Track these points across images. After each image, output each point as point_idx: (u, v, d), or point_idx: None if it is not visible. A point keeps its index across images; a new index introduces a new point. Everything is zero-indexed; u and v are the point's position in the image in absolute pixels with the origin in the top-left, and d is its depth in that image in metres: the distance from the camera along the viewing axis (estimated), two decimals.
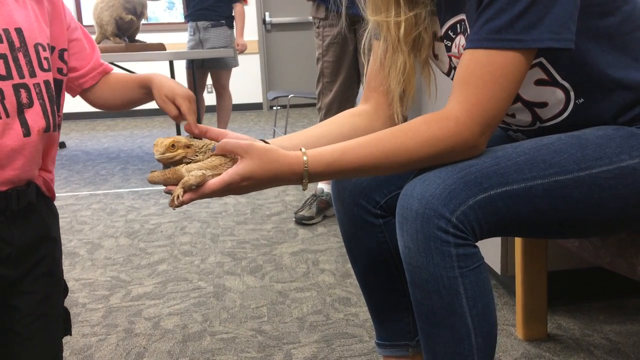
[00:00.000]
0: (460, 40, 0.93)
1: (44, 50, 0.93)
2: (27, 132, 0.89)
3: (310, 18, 2.52)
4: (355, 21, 2.32)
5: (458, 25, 0.93)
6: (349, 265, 1.87)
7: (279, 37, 6.70)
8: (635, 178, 0.87)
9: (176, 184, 0.85)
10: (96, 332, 1.58)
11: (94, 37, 3.69)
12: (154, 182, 0.88)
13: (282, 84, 6.68)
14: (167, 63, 3.89)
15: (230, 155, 0.88)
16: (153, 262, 2.09)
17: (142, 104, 1.08)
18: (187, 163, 0.87)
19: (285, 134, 3.74)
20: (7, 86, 0.87)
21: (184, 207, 2.77)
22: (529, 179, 0.84)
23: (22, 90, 0.89)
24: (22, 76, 0.89)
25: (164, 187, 0.88)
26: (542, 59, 0.89)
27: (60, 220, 1.06)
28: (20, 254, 0.94)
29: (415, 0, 0.94)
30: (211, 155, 0.88)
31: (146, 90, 1.04)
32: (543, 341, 1.42)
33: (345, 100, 2.46)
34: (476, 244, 0.84)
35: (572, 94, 0.92)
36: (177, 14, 6.57)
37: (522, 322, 1.42)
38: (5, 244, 0.92)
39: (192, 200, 0.85)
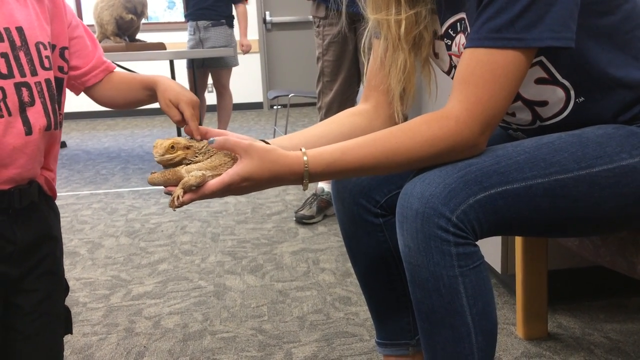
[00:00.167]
0: (461, 38, 0.93)
1: (45, 48, 0.93)
2: (29, 131, 0.89)
3: (311, 17, 2.52)
4: (356, 20, 2.32)
5: (458, 23, 0.93)
6: (349, 265, 1.87)
7: (280, 36, 6.69)
8: (635, 177, 0.87)
9: (176, 185, 0.85)
10: (97, 332, 1.58)
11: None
12: (153, 184, 0.88)
13: (282, 83, 6.68)
14: (167, 62, 3.89)
15: (231, 155, 0.88)
16: (153, 262, 2.09)
17: (145, 104, 1.08)
18: (187, 164, 0.87)
19: (285, 133, 3.75)
20: (8, 85, 0.87)
21: (184, 206, 2.76)
22: (529, 178, 0.84)
23: (24, 89, 0.89)
24: (23, 75, 0.89)
25: (164, 188, 0.88)
26: (543, 58, 0.89)
27: (61, 220, 1.07)
28: (23, 252, 0.94)
29: None
30: (213, 154, 0.88)
31: (150, 92, 1.04)
32: (543, 340, 1.42)
33: (346, 99, 2.46)
34: (476, 243, 0.84)
35: (572, 92, 0.92)
36: (178, 14, 6.57)
37: (523, 321, 1.42)
38: (7, 242, 0.92)
39: (192, 201, 0.85)
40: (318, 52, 2.47)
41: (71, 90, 1.07)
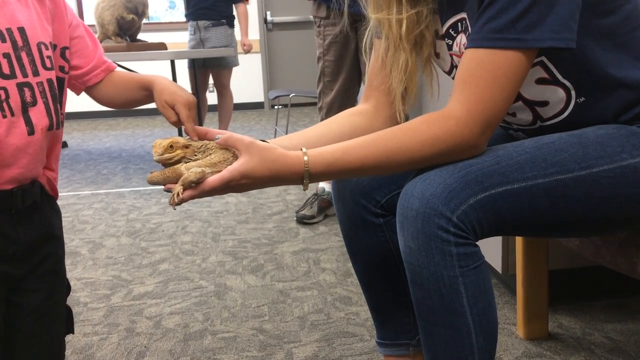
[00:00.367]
0: (462, 38, 0.93)
1: (47, 49, 0.93)
2: (31, 131, 0.89)
3: (311, 17, 2.52)
4: (357, 20, 2.32)
5: (459, 23, 0.93)
6: (350, 265, 1.87)
7: (281, 36, 6.70)
8: (636, 177, 0.87)
9: (176, 183, 0.85)
10: (97, 331, 1.58)
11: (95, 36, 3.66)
12: (153, 183, 0.88)
13: (283, 83, 6.68)
14: (168, 62, 3.89)
15: (231, 152, 0.88)
16: (154, 262, 2.09)
17: (144, 104, 1.08)
18: (186, 163, 0.87)
19: (286, 133, 3.75)
20: (11, 85, 0.87)
21: (185, 206, 2.77)
22: (530, 178, 0.84)
23: (26, 89, 0.89)
24: (25, 75, 0.89)
25: (164, 186, 0.88)
26: (544, 58, 0.89)
27: (62, 220, 1.07)
28: (25, 252, 0.95)
29: None
30: (212, 152, 0.88)
31: (148, 92, 1.04)
32: (544, 340, 1.42)
33: (347, 99, 2.46)
34: (477, 243, 0.84)
35: (573, 92, 0.92)
36: (179, 14, 6.57)
37: (523, 321, 1.42)
38: (10, 242, 0.92)
39: (192, 198, 0.85)
40: (319, 52, 2.47)
41: (72, 90, 1.07)
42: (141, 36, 3.95)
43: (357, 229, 1.10)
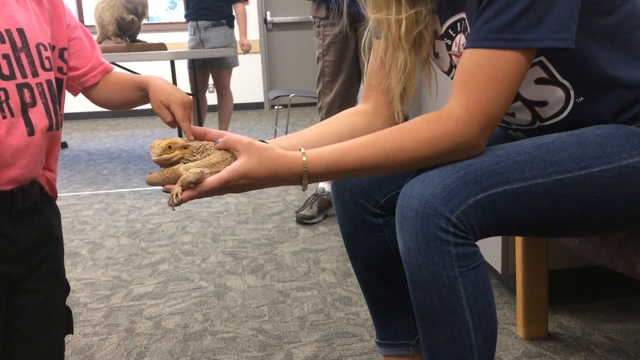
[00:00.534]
0: (461, 39, 0.93)
1: (45, 49, 0.94)
2: (31, 131, 0.90)
3: (311, 17, 2.52)
4: (356, 20, 2.32)
5: (458, 23, 0.93)
6: (350, 265, 1.87)
7: (280, 36, 6.70)
8: (635, 177, 0.87)
9: (175, 184, 0.85)
10: (97, 332, 1.58)
11: (95, 37, 3.69)
12: (152, 184, 0.88)
13: (283, 84, 6.68)
14: (168, 63, 3.89)
15: (230, 153, 0.88)
16: (154, 262, 2.09)
17: (140, 105, 1.09)
18: (185, 164, 0.87)
19: (286, 133, 3.75)
20: (10, 86, 0.87)
21: (185, 206, 2.77)
22: (529, 178, 0.84)
23: (25, 90, 0.89)
24: (24, 76, 0.89)
25: (163, 187, 0.88)
26: (543, 58, 0.89)
27: (62, 220, 1.07)
28: (25, 252, 0.95)
29: None
30: (211, 153, 0.88)
31: (143, 92, 1.04)
32: (544, 340, 1.42)
33: (346, 99, 2.46)
34: (476, 243, 0.84)
35: (572, 92, 0.92)
36: (179, 14, 6.58)
37: (523, 321, 1.42)
38: (10, 242, 0.92)
39: (191, 199, 0.85)
40: (318, 53, 2.47)
41: (69, 91, 1.07)
42: (141, 37, 3.95)
43: (357, 229, 1.10)
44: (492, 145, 0.89)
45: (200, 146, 0.89)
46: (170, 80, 3.80)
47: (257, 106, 6.75)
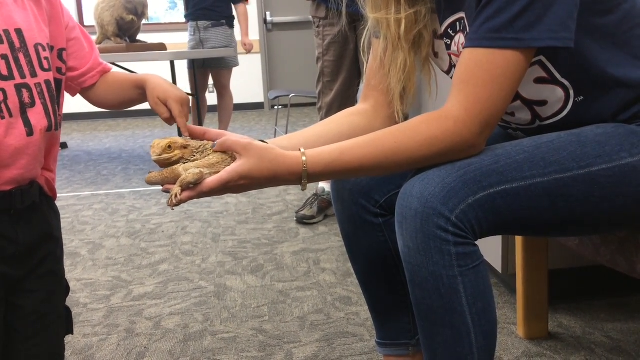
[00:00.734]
0: (460, 38, 0.93)
1: (44, 50, 0.93)
2: (30, 132, 0.90)
3: (311, 17, 2.52)
4: (356, 19, 2.32)
5: (457, 23, 0.93)
6: (350, 265, 1.86)
7: (280, 36, 6.70)
8: (635, 176, 0.86)
9: (174, 184, 0.85)
10: (97, 332, 1.58)
11: (95, 37, 3.68)
12: (151, 183, 0.88)
13: (283, 84, 6.68)
14: (168, 63, 3.89)
15: (229, 153, 0.88)
16: (154, 262, 2.09)
17: (138, 103, 1.09)
18: (184, 163, 0.87)
19: (286, 133, 3.74)
20: (9, 86, 0.87)
21: (185, 207, 2.77)
22: (529, 177, 0.84)
23: (24, 90, 0.89)
24: (23, 76, 0.89)
25: (162, 187, 0.88)
26: (542, 57, 0.89)
27: (62, 221, 1.07)
28: (24, 253, 0.95)
29: None
30: (210, 153, 0.88)
31: (141, 90, 1.04)
32: (544, 339, 1.42)
33: (346, 99, 2.46)
34: (476, 242, 0.84)
35: (571, 92, 0.92)
36: (179, 14, 6.58)
37: (523, 321, 1.42)
38: (10, 242, 0.92)
39: (191, 199, 0.85)
40: (318, 53, 2.47)
41: (67, 91, 1.07)
42: (141, 37, 3.95)
43: (357, 229, 1.10)
44: (492, 145, 0.89)
45: (200, 146, 0.89)
46: (170, 81, 3.80)
47: (257, 106, 6.75)
